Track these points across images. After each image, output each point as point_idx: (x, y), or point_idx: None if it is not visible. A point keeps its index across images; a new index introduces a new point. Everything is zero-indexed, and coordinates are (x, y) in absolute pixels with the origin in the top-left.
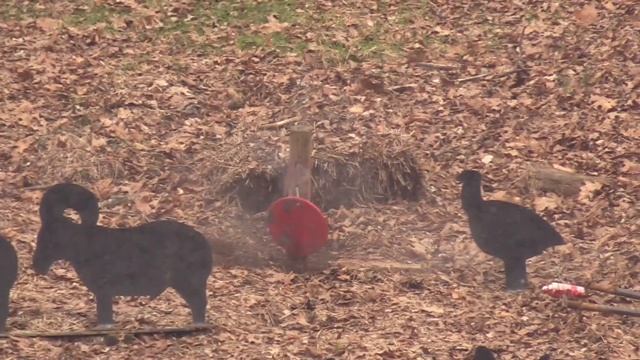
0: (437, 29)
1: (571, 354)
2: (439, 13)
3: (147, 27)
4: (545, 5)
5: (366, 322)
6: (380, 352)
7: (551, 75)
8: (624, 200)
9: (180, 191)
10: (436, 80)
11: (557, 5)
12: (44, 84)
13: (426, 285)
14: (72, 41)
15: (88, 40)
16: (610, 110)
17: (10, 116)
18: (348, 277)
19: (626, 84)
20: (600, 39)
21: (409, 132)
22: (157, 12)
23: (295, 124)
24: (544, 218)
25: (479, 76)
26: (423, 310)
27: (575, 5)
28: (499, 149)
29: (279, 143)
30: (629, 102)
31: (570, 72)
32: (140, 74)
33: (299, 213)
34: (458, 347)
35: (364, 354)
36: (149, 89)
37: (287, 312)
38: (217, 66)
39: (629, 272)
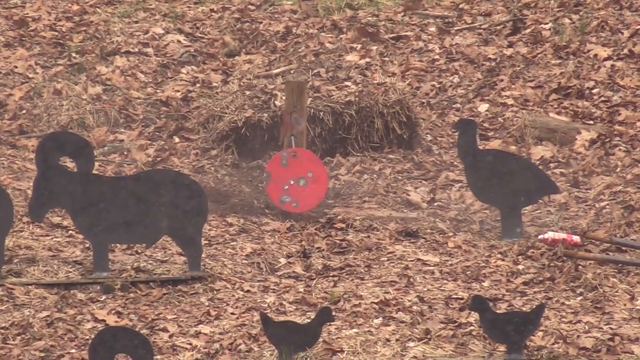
0: None
1: (567, 302)
2: None
3: None
4: None
5: (362, 270)
6: (376, 301)
7: (547, 23)
8: (619, 149)
9: (177, 139)
10: (432, 29)
11: None
12: (40, 31)
13: (422, 234)
14: None
15: None
16: (606, 59)
17: (5, 64)
18: (344, 226)
19: (622, 33)
20: None
21: (405, 80)
22: None
23: (291, 72)
24: (540, 167)
25: (475, 25)
26: (419, 259)
27: None
28: (495, 98)
29: (275, 91)
30: (625, 50)
31: (566, 20)
32: (136, 22)
33: (296, 164)
34: (454, 296)
35: (359, 303)
36: (145, 36)
37: (282, 260)
38: (213, 14)
39: (625, 221)
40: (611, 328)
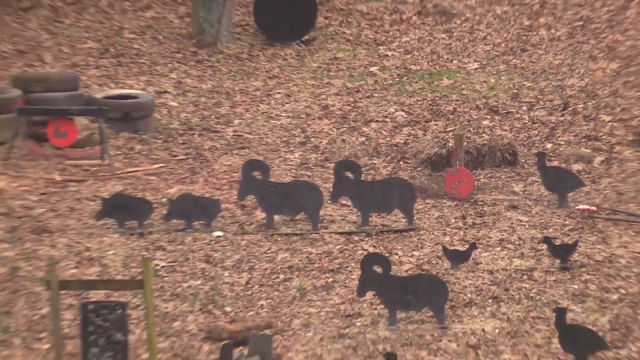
0: (525, 82)
1: (591, 243)
2: (525, 75)
3: (384, 83)
4: (576, 71)
5: (491, 224)
6: (497, 240)
7: (581, 105)
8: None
9: (401, 163)
10: (524, 108)
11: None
12: (335, 111)
13: (520, 207)
14: (349, 90)
15: (356, 90)
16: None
17: (317, 127)
18: (482, 203)
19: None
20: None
21: (511, 133)
22: (388, 75)
23: (456, 130)
24: (577, 174)
25: (544, 105)
26: (518, 219)
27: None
28: (555, 140)
29: (448, 138)
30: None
31: (589, 103)
32: (381, 106)
33: (459, 174)
34: (535, 237)
35: (489, 240)
36: (385, 113)
37: (453, 220)
38: (420, 101)
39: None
40: None
